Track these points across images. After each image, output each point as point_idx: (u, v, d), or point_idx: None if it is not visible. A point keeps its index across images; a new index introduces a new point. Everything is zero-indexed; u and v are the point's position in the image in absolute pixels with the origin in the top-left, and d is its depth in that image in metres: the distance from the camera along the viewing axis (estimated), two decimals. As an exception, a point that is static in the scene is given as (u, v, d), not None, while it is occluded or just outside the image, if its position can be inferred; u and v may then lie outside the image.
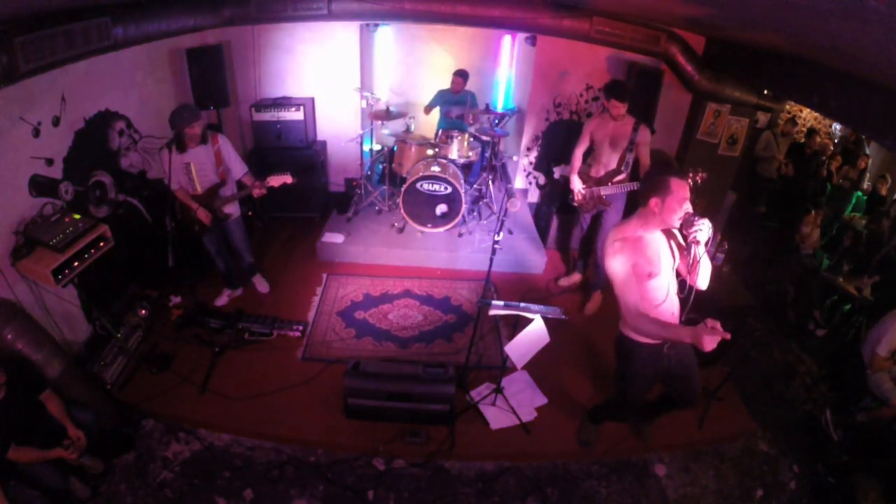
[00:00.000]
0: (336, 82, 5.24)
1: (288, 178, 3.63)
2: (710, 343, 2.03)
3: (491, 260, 3.29)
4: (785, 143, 6.37)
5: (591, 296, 4.41)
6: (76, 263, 3.01)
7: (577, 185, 4.04)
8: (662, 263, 2.35)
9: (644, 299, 2.32)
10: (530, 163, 5.80)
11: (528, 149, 5.70)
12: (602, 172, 3.98)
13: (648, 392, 2.77)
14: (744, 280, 3.94)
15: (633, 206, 4.02)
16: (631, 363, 2.57)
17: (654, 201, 2.27)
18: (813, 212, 5.45)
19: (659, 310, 2.37)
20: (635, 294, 2.29)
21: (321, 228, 4.97)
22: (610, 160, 3.92)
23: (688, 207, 2.26)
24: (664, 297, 2.39)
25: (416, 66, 6.25)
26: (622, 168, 3.88)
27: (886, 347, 3.47)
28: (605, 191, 3.94)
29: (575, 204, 4.16)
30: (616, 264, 2.30)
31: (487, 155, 5.11)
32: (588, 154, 4.09)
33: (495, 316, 3.13)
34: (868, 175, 6.85)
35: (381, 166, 5.39)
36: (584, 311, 4.38)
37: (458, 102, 5.46)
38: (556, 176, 5.06)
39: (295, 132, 5.04)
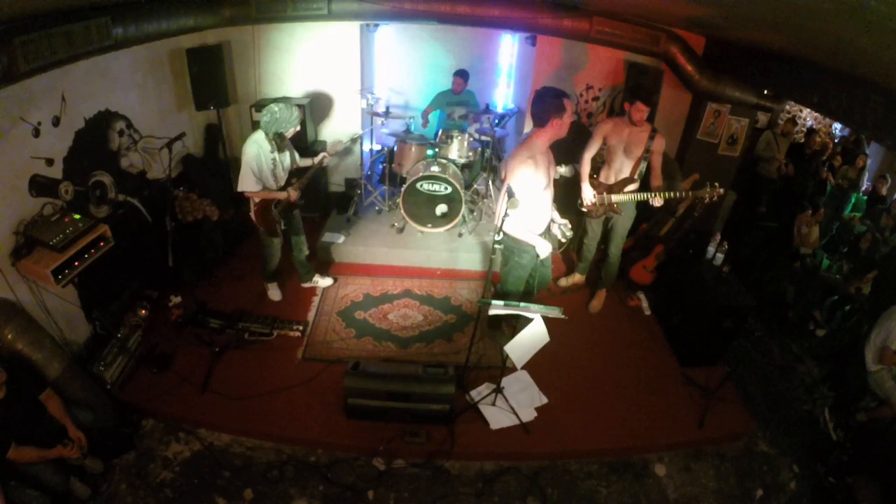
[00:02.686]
0: (336, 82, 5.24)
1: (339, 144, 4.03)
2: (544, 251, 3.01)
3: (491, 260, 3.29)
4: (785, 143, 6.37)
5: (596, 294, 4.41)
6: (76, 263, 3.02)
7: (587, 192, 3.89)
8: (549, 178, 2.98)
9: (529, 205, 2.91)
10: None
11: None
12: (613, 179, 3.85)
13: (524, 281, 3.36)
14: (744, 280, 3.94)
15: (645, 212, 4.02)
16: (520, 253, 3.18)
17: (555, 121, 2.79)
18: (809, 210, 5.45)
19: (540, 211, 3.01)
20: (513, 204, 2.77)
21: (321, 228, 4.97)
22: (623, 167, 3.78)
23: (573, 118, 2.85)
24: (545, 204, 3.07)
25: (416, 66, 6.24)
26: (635, 177, 3.74)
27: None
28: (616, 198, 3.83)
29: (584, 209, 4.02)
30: (525, 174, 2.82)
31: (487, 155, 5.11)
32: (596, 158, 3.95)
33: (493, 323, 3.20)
34: (867, 174, 6.84)
35: (381, 166, 5.39)
36: (589, 309, 4.38)
37: (459, 103, 5.46)
38: (556, 176, 5.05)
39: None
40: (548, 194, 3.08)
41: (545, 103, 2.80)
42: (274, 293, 4.24)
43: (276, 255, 3.93)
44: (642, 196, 3.72)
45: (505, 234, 3.04)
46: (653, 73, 4.79)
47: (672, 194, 3.62)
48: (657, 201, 3.63)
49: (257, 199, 3.55)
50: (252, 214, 3.62)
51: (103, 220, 3.38)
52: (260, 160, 3.39)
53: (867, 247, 4.99)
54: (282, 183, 3.62)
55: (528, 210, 2.97)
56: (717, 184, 3.50)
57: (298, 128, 3.52)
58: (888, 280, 4.52)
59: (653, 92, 3.62)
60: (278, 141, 3.47)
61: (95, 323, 3.49)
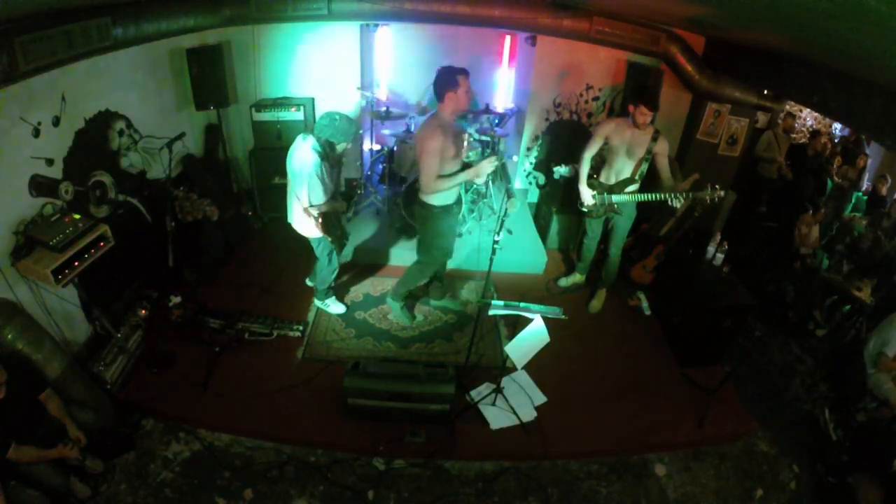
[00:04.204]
0: (336, 82, 5.23)
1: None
2: (487, 166, 3.14)
3: (491, 260, 3.29)
4: (786, 143, 6.37)
5: (596, 294, 4.41)
6: (76, 263, 3.01)
7: (585, 193, 3.90)
8: (458, 147, 3.23)
9: (434, 173, 3.15)
10: (530, 163, 5.80)
11: (529, 149, 5.70)
12: (614, 179, 3.83)
13: (452, 245, 3.67)
14: (744, 280, 3.94)
15: (645, 212, 4.01)
16: (432, 222, 3.43)
17: (450, 95, 3.10)
18: (810, 211, 5.45)
19: (438, 184, 3.19)
20: (435, 167, 3.13)
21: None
22: (624, 168, 3.76)
23: (472, 93, 3.17)
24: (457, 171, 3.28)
25: (416, 66, 6.23)
26: (636, 178, 3.73)
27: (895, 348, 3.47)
28: (616, 199, 3.82)
29: (584, 209, 4.00)
30: (433, 145, 3.06)
31: (487, 155, 5.10)
32: (596, 158, 3.91)
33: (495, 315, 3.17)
34: (867, 174, 6.84)
35: (381, 166, 5.39)
36: (589, 309, 4.38)
37: None
38: (557, 176, 5.06)
39: (295, 132, 4.98)
40: (456, 165, 3.32)
41: (440, 80, 3.12)
42: (336, 307, 4.06)
43: (335, 263, 3.75)
44: (646, 197, 3.71)
45: (424, 202, 3.37)
46: (653, 73, 4.79)
47: (673, 196, 3.58)
48: (676, 202, 3.56)
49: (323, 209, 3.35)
50: (318, 225, 3.40)
51: (103, 220, 3.38)
52: (322, 168, 3.19)
53: (868, 246, 4.98)
54: (332, 191, 3.42)
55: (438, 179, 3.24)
56: (717, 186, 3.49)
57: (349, 146, 3.36)
58: (890, 283, 4.53)
59: (656, 94, 3.58)
60: (327, 149, 3.26)
61: (95, 323, 3.49)
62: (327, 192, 3.31)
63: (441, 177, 3.21)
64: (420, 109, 5.49)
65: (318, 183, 3.19)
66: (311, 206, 3.28)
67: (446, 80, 3.10)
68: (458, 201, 3.58)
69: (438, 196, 3.35)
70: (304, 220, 3.42)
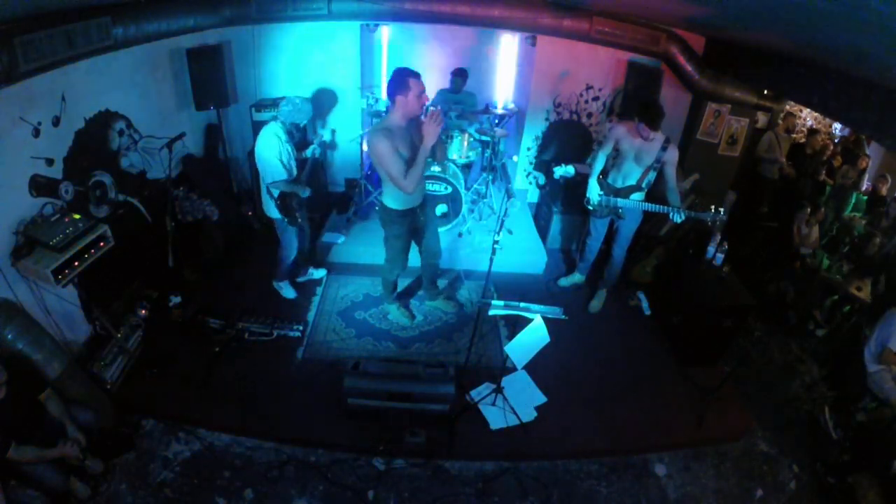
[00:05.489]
0: (336, 82, 5.23)
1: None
2: (431, 127, 2.91)
3: (491, 260, 3.29)
4: (787, 143, 6.37)
5: (597, 294, 4.42)
6: (76, 263, 3.01)
7: (593, 191, 3.90)
8: (412, 151, 3.09)
9: (401, 170, 3.05)
10: (530, 163, 5.80)
11: (528, 149, 5.70)
12: (620, 183, 3.83)
13: (408, 247, 3.69)
14: (744, 280, 3.94)
15: (648, 220, 4.01)
16: (392, 225, 3.48)
17: (399, 98, 3.00)
18: (808, 209, 5.44)
19: (410, 176, 3.09)
20: (398, 164, 3.02)
21: (321, 228, 4.97)
22: (631, 173, 3.75)
23: (425, 99, 3.06)
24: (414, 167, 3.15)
25: (416, 66, 6.20)
26: (642, 185, 3.73)
27: None
28: (623, 203, 3.82)
29: (589, 207, 3.99)
30: (382, 147, 2.97)
31: (487, 155, 5.10)
32: (610, 156, 3.92)
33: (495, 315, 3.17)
34: (867, 175, 6.84)
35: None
36: (589, 309, 4.38)
37: (458, 102, 5.45)
38: (557, 176, 5.06)
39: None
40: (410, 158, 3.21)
41: (392, 82, 3.04)
42: (289, 291, 4.25)
43: (293, 246, 3.96)
44: (649, 207, 3.72)
45: (382, 205, 3.45)
46: (653, 73, 4.79)
47: (675, 211, 3.57)
48: (678, 217, 3.56)
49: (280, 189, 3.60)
50: (277, 206, 3.65)
51: (103, 220, 3.38)
52: (282, 150, 3.48)
53: (875, 251, 4.97)
54: (295, 173, 3.68)
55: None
56: (721, 210, 3.50)
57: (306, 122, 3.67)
58: (891, 282, 4.53)
59: (660, 114, 3.50)
60: (294, 132, 3.57)
61: (95, 323, 3.49)
62: (287, 174, 3.55)
63: (409, 170, 3.11)
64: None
65: (278, 163, 3.48)
66: (270, 183, 3.54)
67: (397, 82, 3.01)
68: (422, 205, 3.52)
69: (397, 199, 3.33)
70: (267, 200, 3.69)
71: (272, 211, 3.71)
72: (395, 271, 3.83)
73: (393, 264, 3.74)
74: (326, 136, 3.88)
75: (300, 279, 4.40)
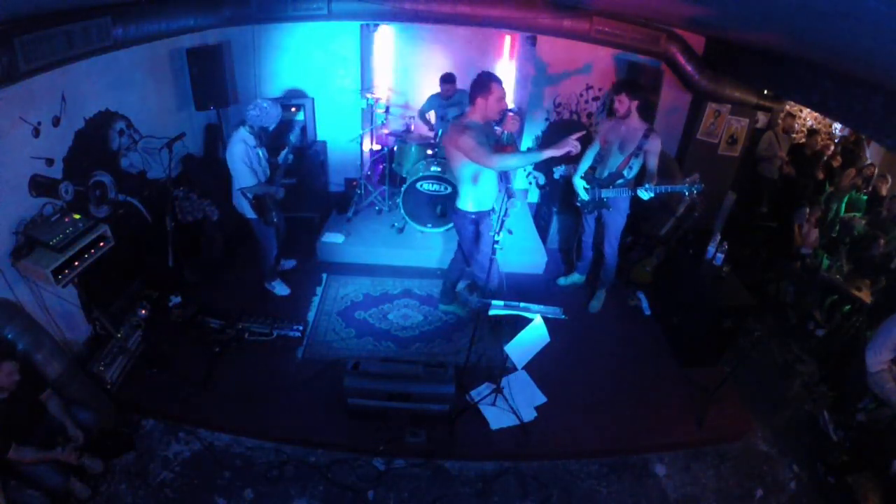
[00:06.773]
0: (336, 82, 5.23)
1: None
2: (567, 146, 2.87)
3: (491, 260, 3.29)
4: (787, 142, 6.36)
5: (596, 294, 4.42)
6: (76, 263, 3.01)
7: (580, 187, 4.03)
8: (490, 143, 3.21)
9: (489, 152, 3.10)
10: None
11: (529, 149, 5.70)
12: (605, 174, 3.90)
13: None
14: (744, 280, 3.94)
15: (637, 207, 4.04)
16: (469, 228, 3.49)
17: (479, 100, 3.12)
18: (807, 208, 5.43)
19: (487, 181, 3.29)
20: (485, 149, 3.06)
21: (321, 228, 4.97)
22: (615, 163, 3.82)
23: (504, 104, 3.20)
24: (490, 176, 3.31)
25: (415, 66, 6.23)
26: (623, 172, 3.78)
27: None
28: (606, 193, 3.89)
29: (578, 204, 4.11)
30: (471, 141, 3.04)
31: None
32: (597, 157, 4.00)
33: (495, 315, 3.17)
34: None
35: (381, 166, 5.39)
36: (589, 309, 4.38)
37: (452, 105, 5.42)
38: (556, 176, 5.06)
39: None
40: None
41: (475, 84, 3.15)
42: (282, 288, 4.28)
43: (272, 245, 4.00)
44: (632, 191, 3.76)
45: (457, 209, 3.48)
46: (653, 72, 4.79)
47: (645, 189, 3.60)
48: (646, 194, 3.62)
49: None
50: (251, 206, 3.70)
51: (103, 220, 3.38)
52: (248, 155, 3.53)
53: (879, 251, 4.95)
54: (267, 174, 3.73)
55: (477, 181, 3.30)
56: (696, 180, 3.59)
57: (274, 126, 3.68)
58: (890, 282, 4.52)
59: (639, 86, 3.65)
60: (263, 135, 3.63)
61: (95, 323, 3.49)
62: (257, 177, 3.61)
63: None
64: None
65: (246, 168, 3.53)
66: (241, 188, 3.60)
67: (479, 85, 3.11)
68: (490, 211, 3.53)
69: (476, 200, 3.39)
70: (240, 200, 3.74)
71: (247, 211, 3.75)
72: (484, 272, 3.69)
73: (483, 270, 3.58)
74: (293, 138, 3.87)
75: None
